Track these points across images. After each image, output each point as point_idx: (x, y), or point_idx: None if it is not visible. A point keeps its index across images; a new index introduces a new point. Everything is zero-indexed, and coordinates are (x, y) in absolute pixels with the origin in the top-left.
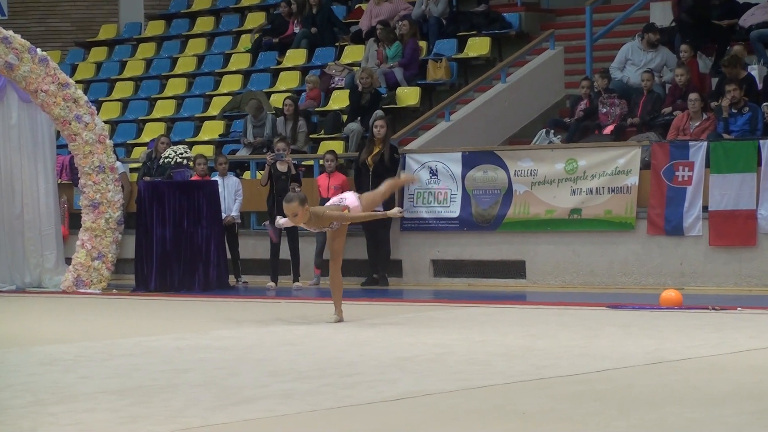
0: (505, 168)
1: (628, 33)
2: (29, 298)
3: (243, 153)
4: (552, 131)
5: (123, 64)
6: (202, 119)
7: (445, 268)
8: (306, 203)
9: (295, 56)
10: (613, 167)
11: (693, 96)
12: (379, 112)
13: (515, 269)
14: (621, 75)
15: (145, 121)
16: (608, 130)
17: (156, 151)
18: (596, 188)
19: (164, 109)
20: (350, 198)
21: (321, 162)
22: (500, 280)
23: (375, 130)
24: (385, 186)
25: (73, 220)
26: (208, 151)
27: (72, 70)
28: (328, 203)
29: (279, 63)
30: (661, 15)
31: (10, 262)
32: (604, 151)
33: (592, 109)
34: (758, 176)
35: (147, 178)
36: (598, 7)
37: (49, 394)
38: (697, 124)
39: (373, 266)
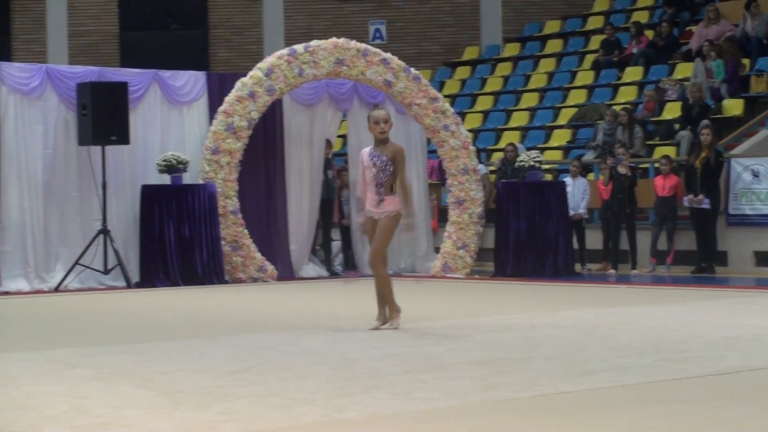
0: None
1: None
2: (403, 282)
3: (588, 157)
4: None
5: (483, 81)
6: (552, 128)
7: (766, 258)
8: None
9: (633, 73)
10: None
11: None
12: (705, 121)
13: None
14: None
15: (502, 130)
16: None
17: (506, 158)
18: None
19: (519, 119)
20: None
21: (656, 165)
22: None
23: (702, 137)
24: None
25: (441, 215)
26: (557, 156)
27: (440, 87)
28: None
29: (618, 79)
30: None
31: (389, 250)
32: None
33: None
34: None
35: (504, 180)
36: None
37: (420, 364)
38: None
39: (701, 256)
